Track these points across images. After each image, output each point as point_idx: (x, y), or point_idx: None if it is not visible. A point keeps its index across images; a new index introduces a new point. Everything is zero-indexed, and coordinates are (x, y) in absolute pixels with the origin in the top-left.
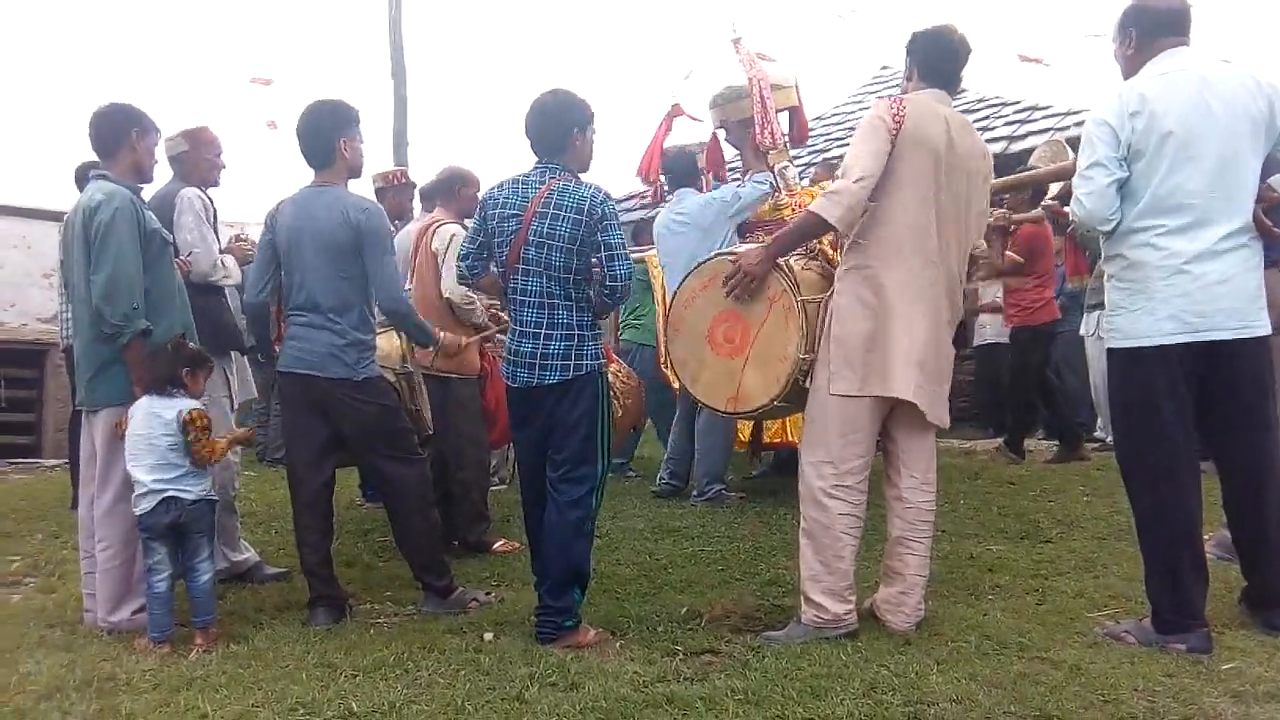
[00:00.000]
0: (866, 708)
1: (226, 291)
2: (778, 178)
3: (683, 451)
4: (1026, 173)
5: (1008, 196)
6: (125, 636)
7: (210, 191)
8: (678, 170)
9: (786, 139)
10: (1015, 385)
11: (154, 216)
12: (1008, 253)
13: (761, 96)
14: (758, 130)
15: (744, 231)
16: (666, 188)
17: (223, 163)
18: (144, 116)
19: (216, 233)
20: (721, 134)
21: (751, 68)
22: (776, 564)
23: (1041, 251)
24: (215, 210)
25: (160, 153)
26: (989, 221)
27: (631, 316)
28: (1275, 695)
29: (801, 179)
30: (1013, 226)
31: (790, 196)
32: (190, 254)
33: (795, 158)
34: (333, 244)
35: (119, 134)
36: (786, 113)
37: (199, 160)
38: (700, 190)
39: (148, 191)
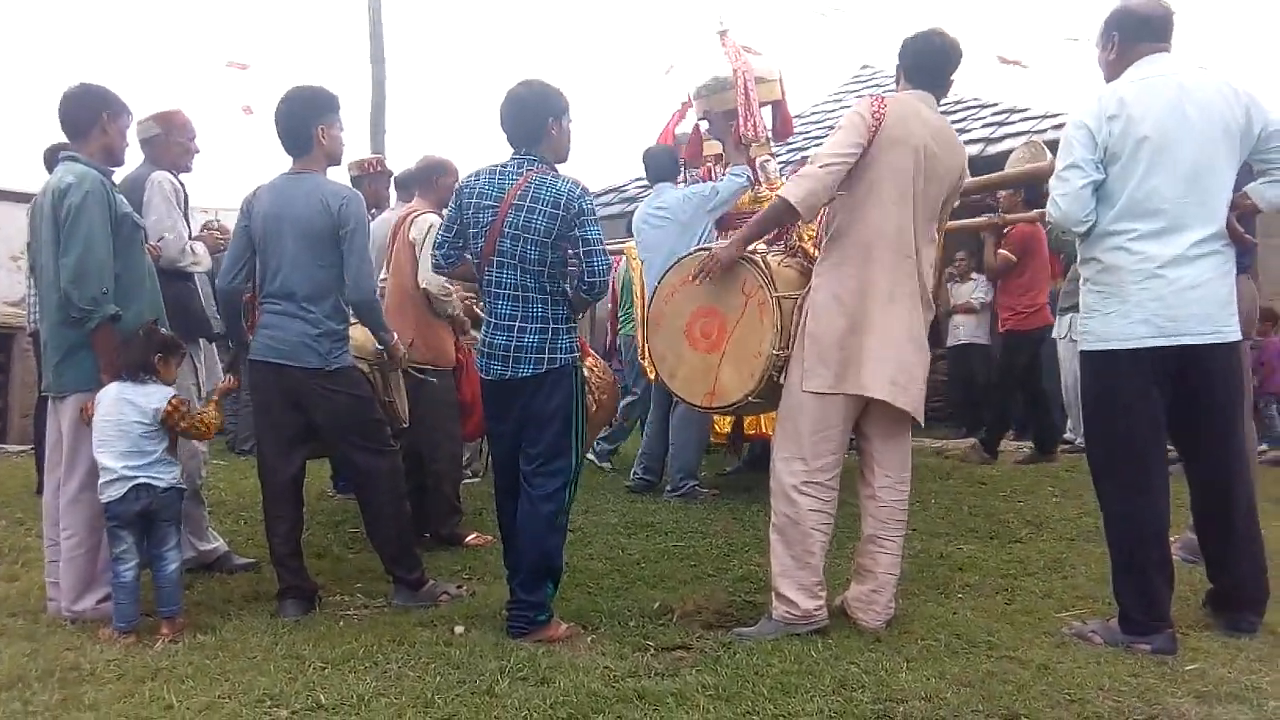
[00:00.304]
0: (836, 705)
1: (196, 278)
2: (758, 170)
3: (657, 447)
4: (1000, 173)
5: (1004, 194)
6: (89, 626)
7: (184, 176)
8: (656, 165)
9: (769, 133)
10: (999, 386)
11: (125, 200)
12: (1000, 250)
13: (745, 88)
14: (740, 122)
15: (724, 226)
16: (646, 181)
17: (196, 147)
18: (115, 98)
19: (187, 218)
20: (704, 125)
21: (737, 59)
22: (749, 560)
23: (1035, 252)
24: (186, 195)
25: (131, 135)
26: (982, 221)
27: (634, 310)
28: (1238, 696)
29: (781, 176)
30: (1006, 227)
31: (770, 190)
32: (160, 239)
33: (774, 155)
34: (311, 232)
35: (90, 115)
36: (770, 107)
37: (170, 144)
38: (678, 184)
39: (118, 174)
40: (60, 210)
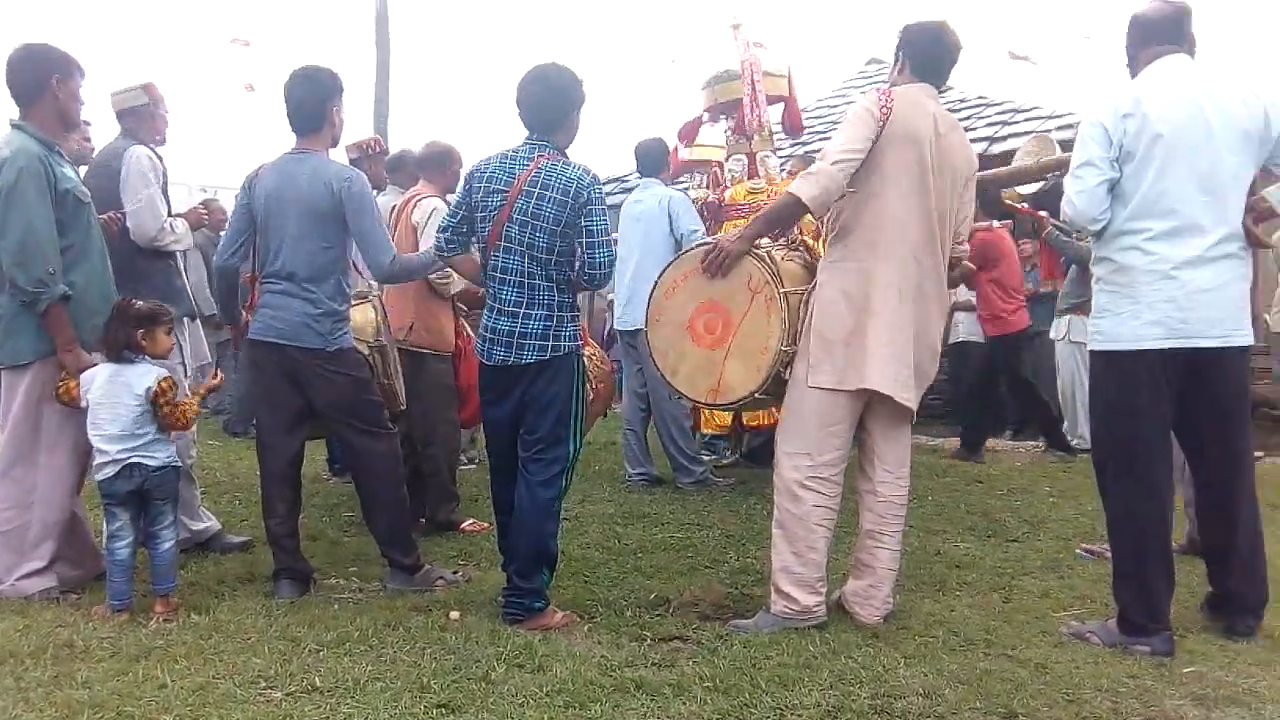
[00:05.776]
0: (834, 699)
1: (179, 257)
2: (758, 164)
3: (638, 453)
4: (1012, 166)
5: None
6: (83, 605)
7: (186, 154)
8: (646, 158)
9: (774, 127)
10: (975, 389)
11: (70, 175)
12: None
13: (753, 81)
14: (745, 112)
15: (721, 218)
16: (638, 175)
17: (168, 120)
18: (64, 58)
19: (166, 193)
20: (706, 116)
21: (746, 51)
22: (745, 553)
23: (994, 259)
24: (165, 170)
25: (87, 96)
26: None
27: None
28: (1235, 699)
29: (782, 171)
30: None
31: (769, 185)
32: (122, 212)
33: (775, 151)
34: (314, 213)
35: (38, 81)
36: (780, 105)
37: (156, 116)
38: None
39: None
40: None
